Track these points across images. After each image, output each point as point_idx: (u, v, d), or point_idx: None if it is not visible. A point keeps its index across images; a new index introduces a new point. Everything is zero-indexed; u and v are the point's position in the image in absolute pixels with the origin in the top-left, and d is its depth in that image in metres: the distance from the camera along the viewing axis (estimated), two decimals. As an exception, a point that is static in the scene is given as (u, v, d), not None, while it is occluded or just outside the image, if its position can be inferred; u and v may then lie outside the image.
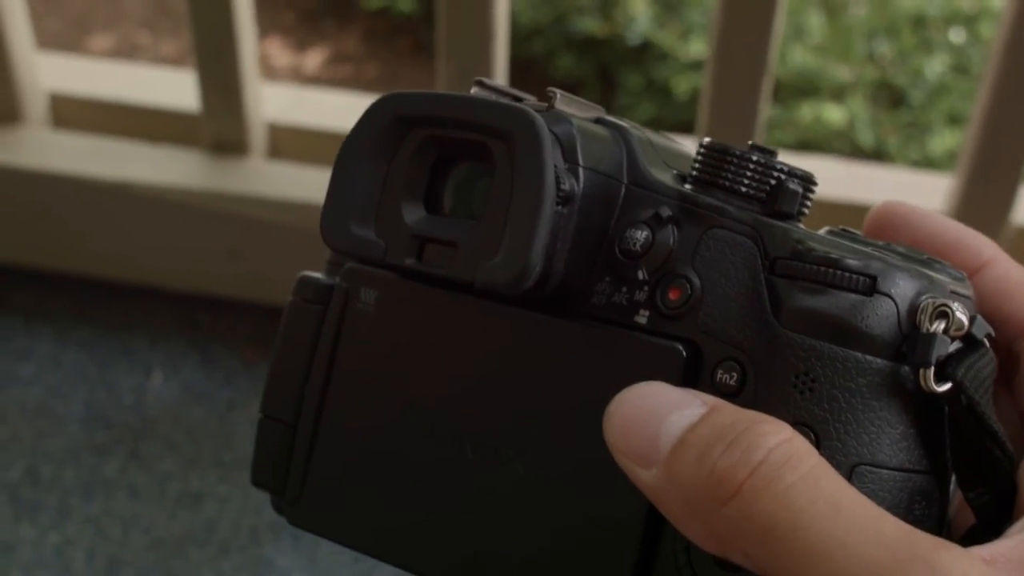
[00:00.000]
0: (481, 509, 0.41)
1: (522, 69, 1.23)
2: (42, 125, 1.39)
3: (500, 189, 0.39)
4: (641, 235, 0.39)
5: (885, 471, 0.36)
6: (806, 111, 1.97)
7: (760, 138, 1.22)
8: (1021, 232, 1.27)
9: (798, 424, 0.36)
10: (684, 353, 0.38)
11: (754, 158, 0.39)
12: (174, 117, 1.37)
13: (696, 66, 1.97)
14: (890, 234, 0.42)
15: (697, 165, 0.40)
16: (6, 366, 1.34)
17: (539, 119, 0.38)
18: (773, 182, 0.39)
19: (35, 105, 1.38)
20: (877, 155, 1.93)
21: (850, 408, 0.36)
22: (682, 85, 1.98)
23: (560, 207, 0.38)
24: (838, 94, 2.01)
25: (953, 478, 0.38)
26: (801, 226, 0.39)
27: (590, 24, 2.07)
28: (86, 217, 1.36)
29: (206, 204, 1.30)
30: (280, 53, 2.20)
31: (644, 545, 0.38)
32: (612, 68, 2.07)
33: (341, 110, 1.39)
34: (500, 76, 1.23)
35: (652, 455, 0.35)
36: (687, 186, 0.40)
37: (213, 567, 1.17)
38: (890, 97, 2.03)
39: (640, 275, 0.39)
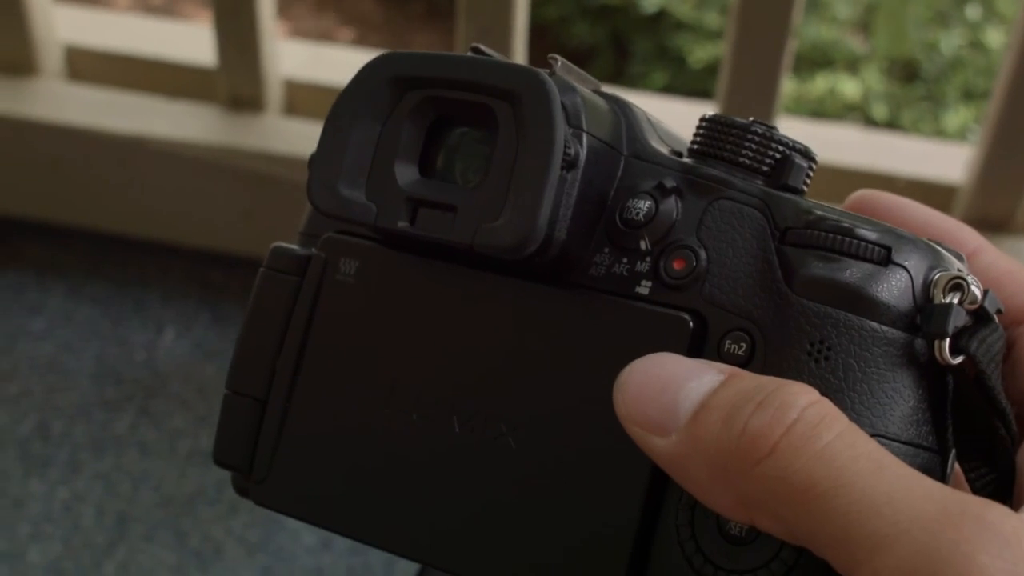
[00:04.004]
0: (469, 485, 0.40)
1: (536, 35, 1.22)
2: (57, 77, 1.38)
3: (503, 152, 0.39)
4: (644, 205, 0.39)
5: (896, 444, 0.36)
6: (820, 83, 1.96)
7: (778, 109, 1.21)
8: (1042, 204, 1.26)
9: None
10: (691, 323, 0.38)
11: (758, 130, 0.39)
12: (190, 72, 1.36)
13: (711, 35, 1.96)
14: None
15: (698, 138, 0.40)
16: (18, 320, 1.33)
17: (548, 78, 0.38)
18: (777, 155, 0.39)
19: (51, 57, 1.37)
20: (890, 129, 1.92)
21: (865, 378, 0.36)
22: (696, 54, 1.97)
23: (565, 171, 0.38)
24: (852, 66, 2.00)
25: (950, 458, 0.37)
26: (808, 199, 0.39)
27: (605, -9, 2.06)
28: (100, 171, 1.35)
29: (221, 160, 1.30)
30: (294, 14, 2.19)
31: (644, 521, 0.38)
32: (626, 35, 2.06)
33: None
34: (520, 38, 1.22)
35: (670, 422, 0.34)
36: (687, 159, 0.40)
37: (222, 525, 1.16)
38: (904, 71, 2.02)
39: (642, 245, 0.39)
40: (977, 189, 1.23)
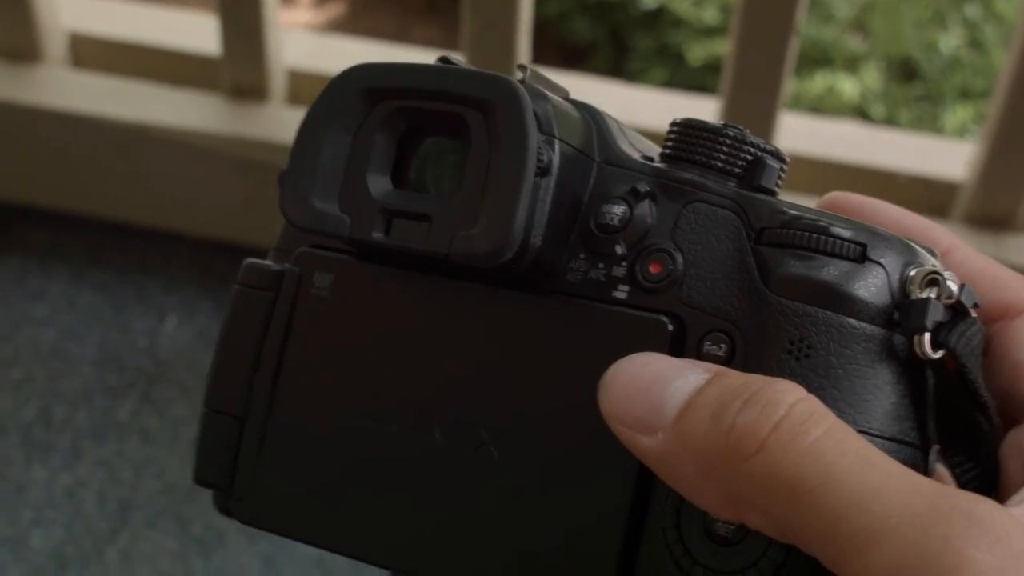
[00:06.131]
0: (453, 495, 0.40)
1: (535, 31, 1.23)
2: (61, 64, 1.38)
3: (477, 161, 0.39)
4: (619, 210, 0.39)
5: (879, 439, 0.36)
6: (819, 81, 1.96)
7: (781, 107, 1.21)
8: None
9: None
10: (670, 326, 0.38)
11: (729, 133, 0.40)
12: (194, 60, 1.36)
13: (710, 32, 1.97)
14: None
15: (670, 142, 0.40)
16: (21, 306, 1.33)
17: (520, 86, 0.38)
18: (750, 158, 0.40)
19: (55, 44, 1.37)
20: (889, 127, 1.92)
21: (846, 375, 0.36)
22: (695, 51, 1.97)
23: (539, 178, 0.38)
24: (852, 65, 2.00)
25: (932, 453, 0.38)
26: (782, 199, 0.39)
27: (605, -13, 2.06)
28: (104, 159, 1.35)
29: (225, 149, 1.30)
30: (293, 5, 2.19)
31: (631, 524, 0.38)
32: (625, 32, 2.06)
33: (362, 58, 1.37)
34: (525, 32, 1.22)
35: (657, 420, 0.35)
36: (660, 164, 0.40)
37: (224, 513, 1.17)
38: (903, 70, 2.03)
39: (618, 250, 0.39)
40: (979, 187, 1.24)
